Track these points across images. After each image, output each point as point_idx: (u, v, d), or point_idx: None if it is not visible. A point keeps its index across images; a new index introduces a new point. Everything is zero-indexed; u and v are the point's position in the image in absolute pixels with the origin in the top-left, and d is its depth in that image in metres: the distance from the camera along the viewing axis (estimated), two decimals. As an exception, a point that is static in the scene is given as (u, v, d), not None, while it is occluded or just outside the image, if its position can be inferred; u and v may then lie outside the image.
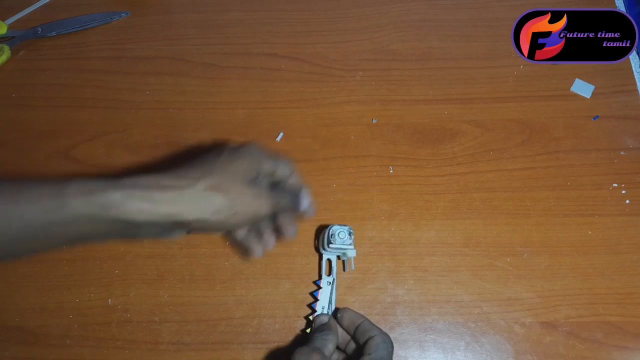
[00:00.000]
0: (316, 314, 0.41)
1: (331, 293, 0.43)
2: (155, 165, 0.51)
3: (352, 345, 0.40)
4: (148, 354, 0.43)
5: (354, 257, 0.42)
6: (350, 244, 0.41)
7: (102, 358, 0.43)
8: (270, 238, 0.39)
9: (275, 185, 0.38)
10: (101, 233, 0.31)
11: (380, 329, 0.38)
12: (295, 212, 0.38)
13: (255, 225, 0.39)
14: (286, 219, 0.38)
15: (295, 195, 0.38)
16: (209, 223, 0.33)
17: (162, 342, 0.43)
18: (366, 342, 0.37)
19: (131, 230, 0.32)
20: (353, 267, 0.43)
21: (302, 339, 0.43)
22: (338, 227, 0.41)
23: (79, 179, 0.31)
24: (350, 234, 0.41)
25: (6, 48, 0.58)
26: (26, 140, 0.53)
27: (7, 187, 0.30)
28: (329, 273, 0.44)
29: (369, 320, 0.39)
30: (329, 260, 0.44)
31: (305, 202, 0.38)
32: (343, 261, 0.45)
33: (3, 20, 0.60)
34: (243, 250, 0.39)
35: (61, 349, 0.43)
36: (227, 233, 0.41)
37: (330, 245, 0.41)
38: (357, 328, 0.39)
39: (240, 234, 0.39)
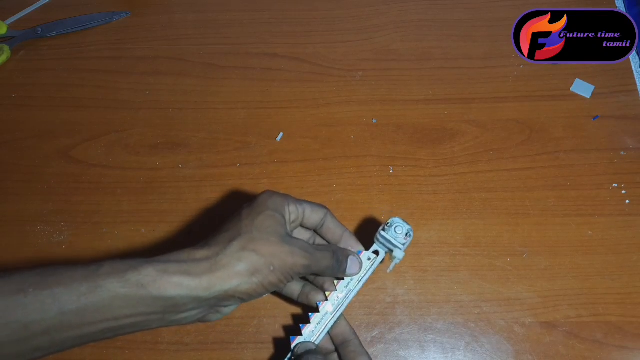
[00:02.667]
0: (298, 340, 0.37)
1: (362, 277, 0.38)
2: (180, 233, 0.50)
3: (335, 356, 0.38)
4: (148, 354, 0.43)
5: (398, 263, 0.38)
6: (401, 244, 0.36)
7: (102, 358, 0.43)
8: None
9: (322, 245, 0.37)
10: (141, 318, 0.29)
11: (367, 354, 0.36)
12: (338, 273, 0.36)
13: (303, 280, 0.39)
14: (326, 282, 0.37)
15: (339, 259, 0.36)
16: (250, 287, 0.31)
17: (162, 342, 0.43)
18: None
19: (173, 312, 0.30)
20: (390, 269, 0.39)
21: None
22: (400, 221, 0.37)
23: (111, 260, 0.29)
24: (407, 234, 0.36)
25: (6, 48, 0.58)
26: (26, 140, 0.53)
27: (37, 272, 0.28)
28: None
29: (359, 341, 0.37)
30: (377, 252, 0.39)
31: (353, 268, 0.37)
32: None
33: (3, 20, 0.60)
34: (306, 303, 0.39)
35: (61, 349, 0.43)
36: (282, 290, 0.39)
37: (382, 234, 0.37)
38: (344, 344, 0.37)
39: (296, 290, 0.39)
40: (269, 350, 0.43)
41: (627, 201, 0.47)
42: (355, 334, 0.38)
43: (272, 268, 0.32)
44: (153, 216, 0.48)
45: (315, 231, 0.38)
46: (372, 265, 0.38)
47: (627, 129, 0.50)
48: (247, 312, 0.44)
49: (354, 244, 0.38)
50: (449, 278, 0.45)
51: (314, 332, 0.37)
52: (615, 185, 0.48)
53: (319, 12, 0.59)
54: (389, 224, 0.36)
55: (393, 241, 0.36)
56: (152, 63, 0.57)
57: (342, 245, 0.38)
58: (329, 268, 0.35)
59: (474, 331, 0.43)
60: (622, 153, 0.49)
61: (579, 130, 0.51)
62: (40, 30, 0.59)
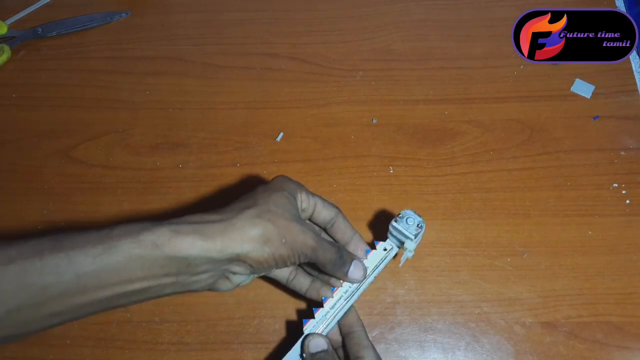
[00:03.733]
0: (311, 324, 0.37)
1: (378, 266, 0.38)
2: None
3: (341, 353, 0.38)
4: (148, 354, 0.43)
5: (410, 257, 0.38)
6: (412, 235, 0.36)
7: (102, 358, 0.43)
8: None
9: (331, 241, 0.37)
10: (155, 281, 0.29)
11: (372, 347, 0.36)
12: (339, 272, 0.36)
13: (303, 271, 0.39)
14: (332, 279, 0.38)
15: (344, 258, 0.36)
16: (262, 255, 0.31)
17: (162, 342, 0.43)
18: None
19: (186, 273, 0.30)
20: (402, 263, 0.39)
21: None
22: (412, 213, 0.37)
23: (124, 223, 0.29)
24: (419, 225, 0.37)
25: (6, 48, 0.58)
26: (26, 140, 0.53)
27: (52, 237, 0.28)
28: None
29: (365, 333, 0.37)
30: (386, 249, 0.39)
31: (356, 273, 0.36)
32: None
33: (3, 20, 0.60)
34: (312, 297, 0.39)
35: (61, 349, 0.43)
36: (290, 282, 0.39)
37: (394, 225, 0.37)
38: (350, 334, 0.37)
39: (305, 284, 0.39)
40: (269, 350, 0.43)
41: (627, 201, 0.47)
42: (362, 325, 0.38)
43: (284, 240, 0.32)
44: (153, 216, 0.48)
45: (325, 230, 0.39)
46: (387, 255, 0.39)
47: (627, 129, 0.50)
48: (247, 312, 0.44)
49: (362, 247, 0.38)
50: (449, 278, 0.45)
51: (325, 316, 0.37)
52: (615, 185, 0.48)
53: (319, 12, 0.59)
54: (400, 216, 0.37)
55: (405, 232, 0.37)
56: (152, 63, 0.57)
57: (350, 247, 0.38)
58: (331, 262, 0.35)
59: (474, 331, 0.43)
60: (622, 153, 0.49)
61: (579, 130, 0.51)
62: (40, 30, 0.59)
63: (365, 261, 0.38)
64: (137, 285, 0.29)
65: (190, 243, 0.29)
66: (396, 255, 0.39)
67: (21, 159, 0.52)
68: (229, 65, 0.56)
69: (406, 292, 0.44)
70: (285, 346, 0.43)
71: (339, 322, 0.38)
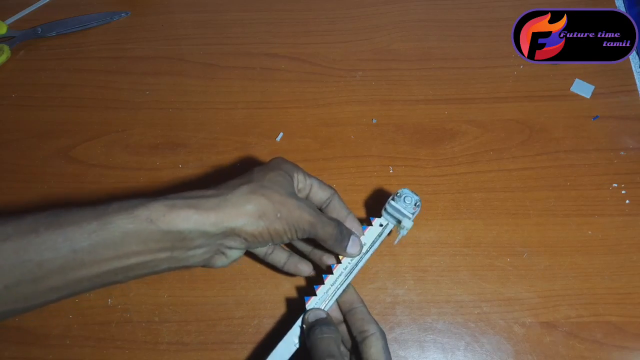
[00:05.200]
0: (313, 301, 0.38)
1: (375, 241, 0.39)
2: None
3: (343, 327, 0.38)
4: (148, 354, 0.43)
5: (405, 235, 0.39)
6: (410, 213, 0.37)
7: (101, 358, 0.43)
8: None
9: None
10: (150, 256, 0.30)
11: (375, 321, 0.37)
12: (338, 247, 0.36)
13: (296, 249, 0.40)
14: (324, 255, 0.38)
15: (343, 233, 0.36)
16: (256, 229, 0.32)
17: (162, 342, 0.43)
18: (364, 340, 0.35)
19: (181, 247, 0.31)
20: (397, 241, 0.40)
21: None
22: (409, 192, 0.38)
23: (119, 200, 0.30)
24: (416, 204, 0.38)
25: (6, 48, 0.58)
26: (26, 140, 0.53)
27: (48, 214, 0.29)
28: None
29: (366, 308, 0.38)
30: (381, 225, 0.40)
31: (353, 248, 0.37)
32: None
33: (3, 20, 0.60)
34: (292, 271, 0.40)
35: (61, 349, 0.43)
36: (269, 256, 0.40)
37: (391, 203, 0.38)
38: (351, 311, 0.38)
39: (282, 258, 0.39)
40: (269, 350, 0.43)
41: (627, 201, 0.47)
42: (362, 301, 0.38)
43: (279, 215, 0.32)
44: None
45: (321, 210, 0.39)
46: (383, 231, 0.39)
47: (627, 129, 0.50)
48: (247, 312, 0.44)
49: (357, 227, 0.39)
50: (449, 278, 0.45)
51: (327, 293, 0.38)
52: (615, 185, 0.48)
53: (319, 12, 0.59)
54: (398, 194, 0.38)
55: (402, 210, 0.38)
56: (152, 63, 0.57)
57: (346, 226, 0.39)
58: (332, 236, 0.35)
59: (473, 331, 0.43)
60: (622, 153, 0.49)
61: (579, 130, 0.51)
62: (40, 30, 0.59)
63: (362, 237, 0.39)
64: (133, 260, 0.30)
65: (185, 217, 0.30)
66: (390, 232, 0.40)
67: (21, 159, 0.52)
68: (229, 65, 0.57)
69: (406, 292, 0.44)
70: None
71: (338, 301, 0.39)
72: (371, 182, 0.49)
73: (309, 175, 0.37)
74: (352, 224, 0.39)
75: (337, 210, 0.38)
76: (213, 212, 0.30)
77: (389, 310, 0.44)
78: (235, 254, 0.34)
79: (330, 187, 0.38)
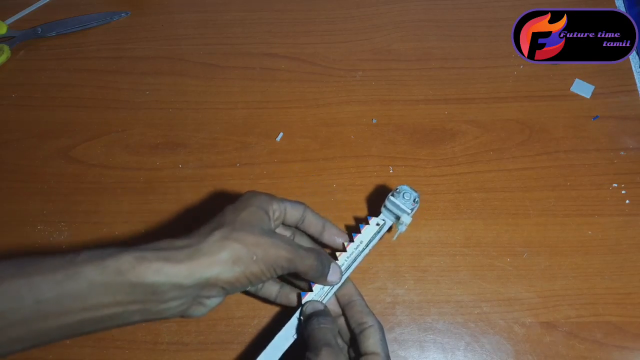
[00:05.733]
0: (309, 296, 0.38)
1: (372, 239, 0.39)
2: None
3: (341, 320, 0.38)
4: (148, 354, 0.43)
5: (403, 231, 0.39)
6: (409, 209, 0.38)
7: (101, 358, 0.43)
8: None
9: (309, 247, 0.37)
10: (120, 308, 0.29)
11: (373, 314, 0.37)
12: (319, 278, 0.36)
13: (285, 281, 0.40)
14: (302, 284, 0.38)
15: (323, 262, 0.36)
16: (233, 275, 0.31)
17: (161, 342, 0.43)
18: (362, 332, 0.35)
19: (153, 301, 0.30)
20: (395, 237, 0.40)
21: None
22: (408, 188, 0.38)
23: (89, 249, 0.29)
24: (415, 200, 0.38)
25: (6, 48, 0.58)
26: (26, 140, 0.53)
27: (14, 262, 0.28)
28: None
29: (364, 301, 0.38)
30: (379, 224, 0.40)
31: (334, 276, 0.37)
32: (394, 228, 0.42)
33: (3, 20, 0.60)
34: (284, 304, 0.40)
35: (60, 349, 0.43)
36: (260, 290, 0.40)
37: (391, 199, 0.38)
38: (350, 304, 0.38)
39: (274, 291, 0.39)
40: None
41: (627, 201, 0.47)
42: (360, 294, 0.39)
43: (254, 258, 0.31)
44: (153, 216, 0.48)
45: (297, 227, 0.39)
46: (381, 229, 0.40)
47: (627, 129, 0.50)
48: (247, 312, 0.44)
49: (336, 232, 0.39)
50: (448, 278, 0.45)
51: (323, 289, 0.38)
52: (615, 185, 0.48)
53: (319, 12, 0.59)
54: (397, 190, 0.39)
55: (402, 206, 0.38)
56: (152, 63, 0.57)
57: (325, 235, 0.39)
58: (312, 268, 0.35)
59: (473, 331, 0.43)
60: (622, 153, 0.49)
61: (579, 130, 0.51)
62: (40, 30, 0.59)
63: (359, 235, 0.39)
64: (102, 312, 0.29)
65: (156, 270, 0.29)
66: (390, 229, 0.40)
67: (21, 159, 0.52)
68: (229, 65, 0.57)
69: (406, 292, 0.44)
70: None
71: (336, 294, 0.39)
72: (371, 182, 0.49)
73: (281, 200, 0.37)
74: (331, 230, 0.39)
75: (314, 223, 0.38)
76: (185, 264, 0.29)
77: (389, 310, 0.44)
78: (214, 302, 0.33)
79: (300, 203, 0.38)
